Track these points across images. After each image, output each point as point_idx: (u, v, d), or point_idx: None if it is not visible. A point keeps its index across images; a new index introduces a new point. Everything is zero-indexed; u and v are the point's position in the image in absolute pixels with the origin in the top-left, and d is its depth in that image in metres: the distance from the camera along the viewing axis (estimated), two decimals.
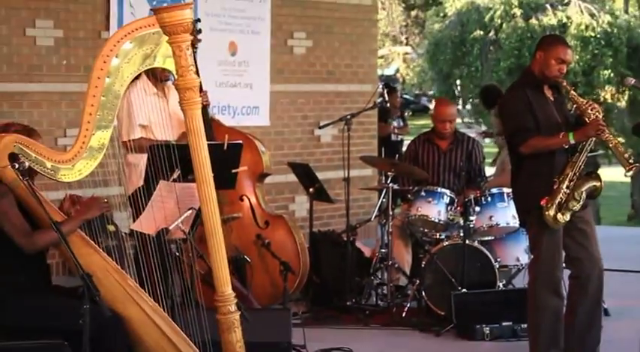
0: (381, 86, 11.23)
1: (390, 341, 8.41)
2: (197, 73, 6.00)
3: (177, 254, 6.83)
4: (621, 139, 18.44)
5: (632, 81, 7.50)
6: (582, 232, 7.40)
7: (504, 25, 25.02)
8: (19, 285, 5.96)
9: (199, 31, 8.47)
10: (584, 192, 7.21)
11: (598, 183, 7.29)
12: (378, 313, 9.12)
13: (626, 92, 23.59)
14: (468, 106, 28.77)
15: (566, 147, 7.23)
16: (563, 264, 7.58)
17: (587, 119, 7.19)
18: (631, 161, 7.10)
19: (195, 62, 6.67)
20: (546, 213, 7.15)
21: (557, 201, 7.16)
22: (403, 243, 9.53)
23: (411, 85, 40.26)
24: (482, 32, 25.45)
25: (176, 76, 5.84)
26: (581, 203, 7.22)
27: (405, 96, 37.61)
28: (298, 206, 12.47)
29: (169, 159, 6.44)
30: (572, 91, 7.37)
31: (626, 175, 7.27)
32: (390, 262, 9.21)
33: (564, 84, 7.38)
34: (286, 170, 10.29)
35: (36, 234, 5.88)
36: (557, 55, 7.33)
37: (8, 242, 5.90)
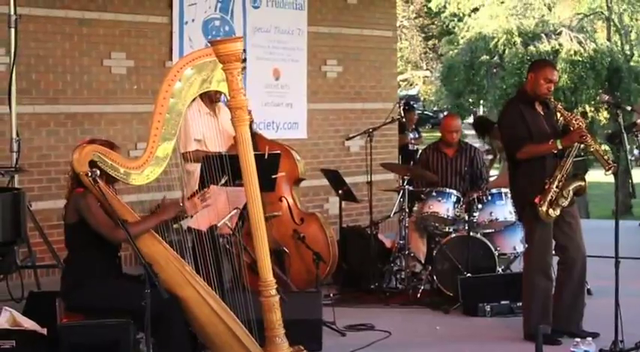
0: (399, 104, 11.17)
1: (407, 317, 8.36)
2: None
3: (228, 246, 6.83)
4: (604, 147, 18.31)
5: (605, 97, 7.50)
6: (569, 225, 7.40)
7: (507, 51, 24.94)
8: (95, 273, 5.96)
9: (244, 60, 8.45)
10: (571, 191, 7.22)
11: (583, 183, 7.30)
12: (397, 294, 9.08)
13: (602, 108, 23.51)
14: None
15: (555, 152, 7.24)
16: (553, 252, 7.57)
17: (571, 128, 7.19)
18: (610, 162, 7.09)
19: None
20: (540, 209, 7.16)
21: (548, 199, 7.16)
22: (419, 236, 9.49)
23: (430, 103, 40.14)
24: (488, 57, 25.39)
25: (229, 98, 5.88)
26: (569, 200, 7.23)
27: (425, 112, 37.57)
28: (332, 205, 12.47)
29: (220, 168, 6.45)
30: (559, 106, 7.38)
31: (606, 174, 7.23)
32: (407, 252, 9.17)
33: (552, 100, 7.39)
34: (322, 175, 10.28)
35: (118, 229, 5.90)
36: (546, 76, 7.35)
37: (86, 237, 5.93)
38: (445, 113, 37.00)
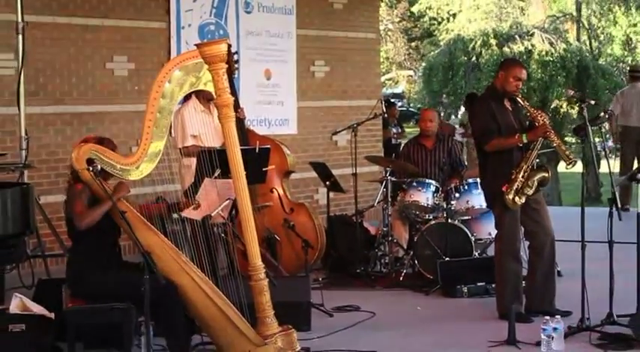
0: (381, 101, 11.12)
1: (390, 299, 8.36)
2: (232, 93, 6.00)
3: (222, 235, 6.81)
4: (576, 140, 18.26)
5: (571, 92, 7.47)
6: (536, 211, 7.40)
7: (483, 52, 24.91)
8: (96, 262, 5.95)
9: (237, 61, 8.45)
10: (535, 181, 7.23)
11: (547, 174, 7.31)
12: (381, 278, 9.05)
13: (573, 103, 23.52)
14: (453, 117, 28.66)
15: (521, 145, 7.24)
16: (523, 237, 7.56)
17: (537, 124, 7.19)
18: (571, 157, 7.10)
19: (232, 85, 6.65)
20: (506, 197, 7.17)
21: (514, 188, 7.17)
22: (401, 223, 9.45)
23: (413, 100, 40.14)
24: (466, 58, 25.36)
25: (215, 96, 5.85)
26: (533, 189, 7.23)
27: (410, 109, 37.55)
28: (321, 196, 12.40)
29: (213, 161, 6.43)
30: (525, 102, 7.37)
31: (567, 168, 7.25)
32: (390, 238, 9.16)
33: (519, 97, 7.37)
34: (311, 168, 10.26)
35: (84, 213, 5.86)
36: (515, 74, 7.33)
37: (88, 230, 5.89)
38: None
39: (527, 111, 7.34)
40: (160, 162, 6.00)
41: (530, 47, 24.32)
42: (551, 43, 24.26)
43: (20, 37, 8.77)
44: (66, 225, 6.12)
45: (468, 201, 9.02)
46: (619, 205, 6.74)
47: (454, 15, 29.87)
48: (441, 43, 28.55)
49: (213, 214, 6.27)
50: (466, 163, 10.18)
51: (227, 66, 5.87)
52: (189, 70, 5.88)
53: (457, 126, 15.75)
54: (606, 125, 10.05)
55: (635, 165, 13.60)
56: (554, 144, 7.15)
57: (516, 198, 7.17)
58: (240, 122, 7.64)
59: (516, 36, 25.12)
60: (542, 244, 7.38)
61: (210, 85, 5.87)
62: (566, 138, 21.39)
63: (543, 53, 23.91)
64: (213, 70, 5.78)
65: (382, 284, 8.87)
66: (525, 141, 7.19)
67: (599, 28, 29.31)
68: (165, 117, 5.94)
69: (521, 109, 7.45)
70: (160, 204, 6.30)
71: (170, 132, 6.16)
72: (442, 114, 24.54)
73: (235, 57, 8.22)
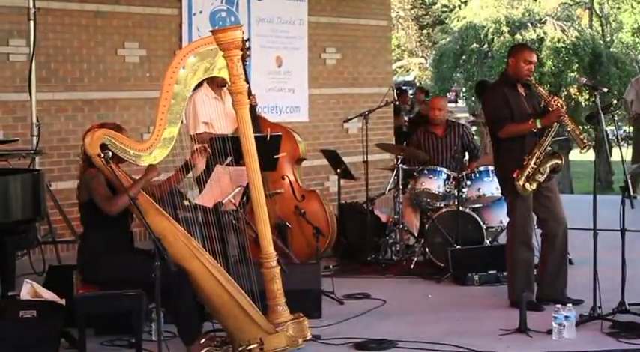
0: (392, 89, 11.12)
1: (401, 287, 8.35)
2: (246, 80, 6.00)
3: (234, 222, 6.81)
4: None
5: (583, 80, 7.43)
6: (548, 198, 7.37)
7: (495, 40, 24.84)
8: (108, 248, 5.95)
9: (249, 48, 8.43)
10: (548, 168, 7.18)
11: (559, 161, 7.26)
12: (392, 265, 9.03)
13: (584, 90, 23.44)
14: (462, 103, 28.60)
15: (534, 131, 7.21)
16: (535, 225, 7.54)
17: (550, 109, 7.16)
18: (585, 141, 7.07)
19: (246, 73, 6.65)
20: (517, 183, 7.14)
21: (525, 174, 7.14)
22: (412, 210, 9.46)
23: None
24: (478, 45, 25.30)
25: (229, 83, 5.85)
26: (545, 176, 7.18)
27: None
28: (332, 183, 12.43)
29: (224, 148, 6.43)
30: (540, 88, 7.33)
31: (581, 152, 7.21)
32: (401, 226, 9.16)
33: (533, 82, 7.34)
34: (322, 155, 10.26)
35: (113, 199, 5.86)
36: (525, 58, 7.30)
37: (98, 214, 5.89)
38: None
39: (541, 96, 7.30)
40: (173, 149, 6.00)
41: (542, 34, 24.25)
42: (563, 31, 24.19)
43: (32, 23, 8.80)
44: (79, 210, 6.13)
45: (479, 189, 8.99)
46: (631, 193, 6.72)
47: (466, 2, 29.77)
48: (453, 31, 28.46)
49: (224, 201, 6.27)
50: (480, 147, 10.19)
51: (241, 53, 5.88)
52: (204, 57, 5.88)
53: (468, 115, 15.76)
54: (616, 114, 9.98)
55: None
56: (569, 129, 7.12)
57: (527, 185, 7.14)
58: (251, 109, 7.62)
59: (528, 23, 25.04)
60: (554, 232, 7.36)
61: (224, 71, 5.88)
62: (580, 127, 21.34)
63: (555, 40, 23.84)
64: (227, 57, 5.78)
65: (393, 271, 8.86)
66: (539, 126, 7.15)
67: (610, 15, 29.22)
68: (178, 103, 5.93)
69: (535, 95, 7.40)
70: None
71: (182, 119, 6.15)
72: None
73: (247, 44, 8.22)
